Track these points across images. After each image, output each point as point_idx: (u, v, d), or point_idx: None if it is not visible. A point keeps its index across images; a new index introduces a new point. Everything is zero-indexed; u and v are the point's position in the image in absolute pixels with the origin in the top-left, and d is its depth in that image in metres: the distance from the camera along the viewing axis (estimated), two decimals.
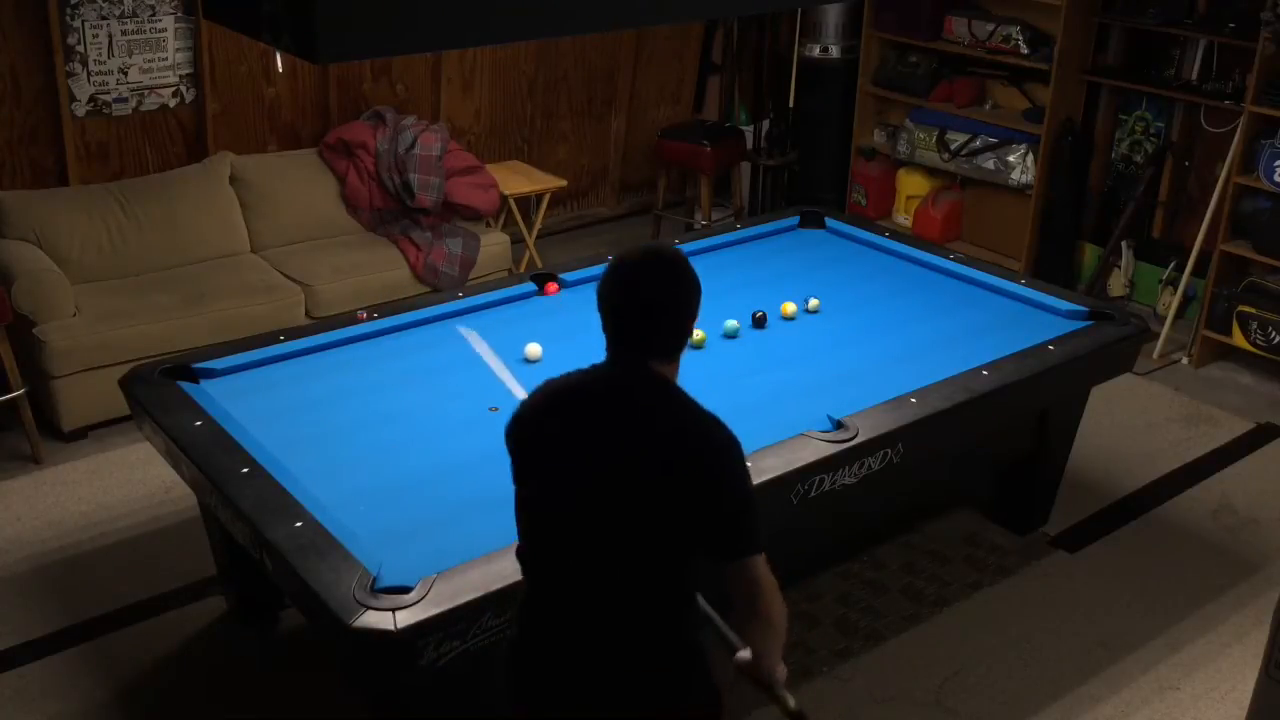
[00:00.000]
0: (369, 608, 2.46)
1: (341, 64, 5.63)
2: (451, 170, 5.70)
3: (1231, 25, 5.21)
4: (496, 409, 3.33)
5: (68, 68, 5.04)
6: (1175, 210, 5.85)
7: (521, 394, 3.40)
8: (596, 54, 6.67)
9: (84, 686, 3.45)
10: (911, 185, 6.50)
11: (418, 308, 4.04)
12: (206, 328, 4.77)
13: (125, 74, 5.19)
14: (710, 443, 2.10)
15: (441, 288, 5.29)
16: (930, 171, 6.43)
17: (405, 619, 2.43)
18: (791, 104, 6.84)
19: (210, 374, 3.55)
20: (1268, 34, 4.98)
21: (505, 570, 2.50)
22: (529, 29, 2.57)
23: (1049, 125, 5.79)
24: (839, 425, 3.23)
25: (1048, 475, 4.18)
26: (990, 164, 6.12)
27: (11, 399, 4.47)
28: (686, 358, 2.20)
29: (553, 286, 4.17)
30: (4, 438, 4.64)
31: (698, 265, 2.18)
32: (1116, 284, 5.97)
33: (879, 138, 6.68)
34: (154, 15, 5.20)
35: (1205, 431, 4.94)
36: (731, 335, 3.88)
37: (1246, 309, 5.26)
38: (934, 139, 6.29)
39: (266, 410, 3.35)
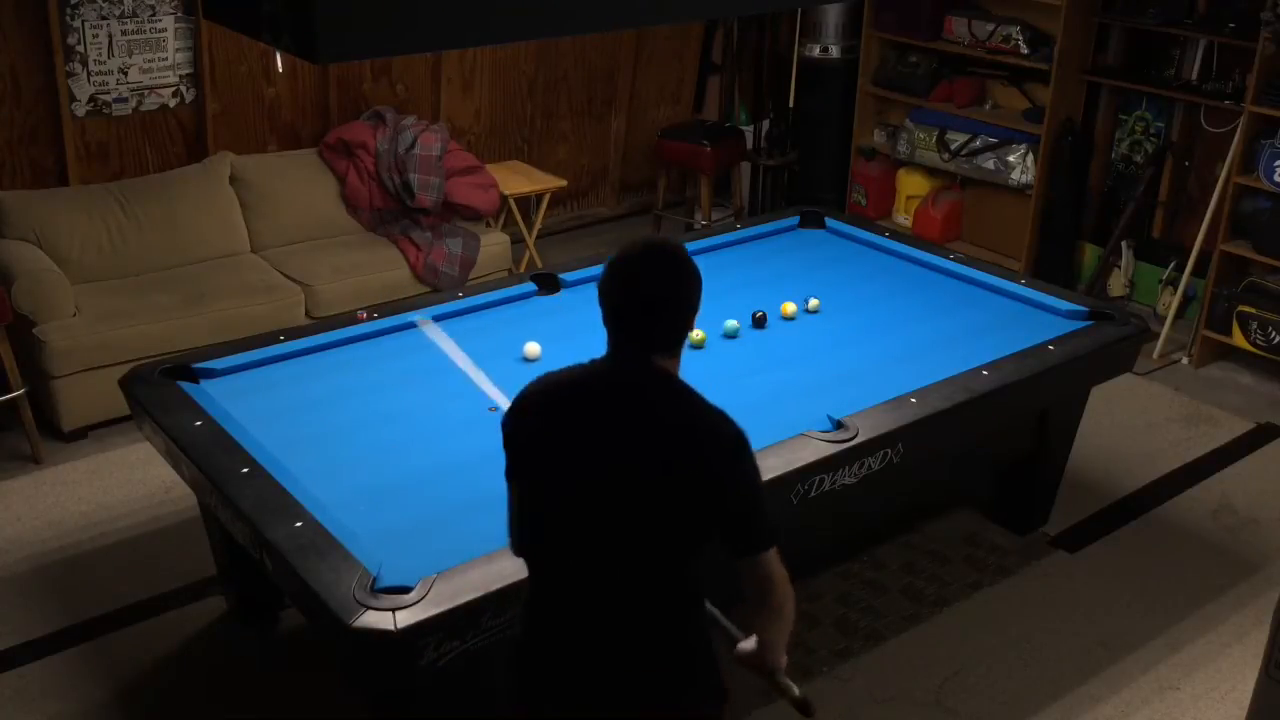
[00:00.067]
0: (369, 608, 2.46)
1: (341, 64, 5.63)
2: (451, 170, 5.70)
3: (1231, 25, 5.21)
4: (496, 409, 3.33)
5: (68, 68, 5.04)
6: (1175, 210, 5.85)
7: (489, 388, 3.42)
8: (596, 54, 6.67)
9: (84, 686, 3.45)
10: (911, 185, 6.50)
11: (418, 308, 4.04)
12: (206, 328, 4.77)
13: (125, 74, 5.19)
14: (718, 438, 2.09)
15: (441, 288, 5.29)
16: (930, 171, 6.43)
17: (405, 619, 2.43)
18: (791, 104, 6.84)
19: (210, 374, 3.54)
20: (1268, 34, 4.98)
21: (505, 570, 2.50)
22: (529, 29, 2.57)
23: (1049, 125, 5.79)
24: (839, 425, 3.23)
25: (1048, 475, 4.18)
26: (990, 164, 6.12)
27: (11, 399, 4.47)
28: (686, 358, 2.19)
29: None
30: (4, 438, 4.64)
31: (697, 265, 2.18)
32: (1116, 284, 5.97)
33: (879, 138, 6.68)
34: (154, 15, 5.20)
35: (1205, 431, 4.94)
36: (731, 335, 3.88)
37: (1246, 309, 5.26)
38: (934, 139, 6.29)
39: (266, 410, 3.35)
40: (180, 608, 3.78)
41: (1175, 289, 5.69)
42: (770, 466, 2.98)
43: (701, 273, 2.16)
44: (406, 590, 2.51)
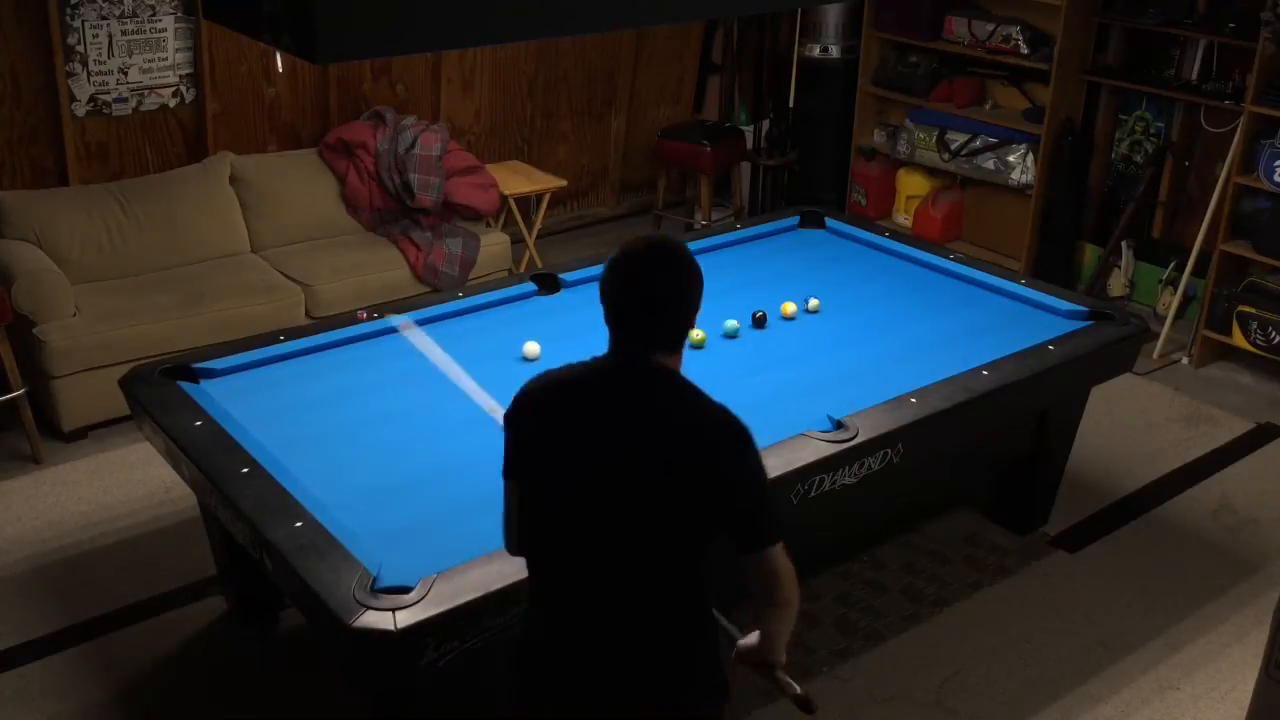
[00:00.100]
0: (369, 608, 2.46)
1: (341, 64, 5.63)
2: (451, 170, 5.70)
3: (1231, 25, 5.21)
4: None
5: (68, 68, 5.04)
6: (1175, 210, 5.85)
7: (476, 391, 3.38)
8: (596, 54, 6.67)
9: (84, 686, 3.45)
10: (911, 185, 6.50)
11: (418, 308, 4.04)
12: (206, 328, 4.77)
13: (125, 74, 5.19)
14: (723, 434, 2.09)
15: (441, 288, 5.29)
16: (930, 171, 6.43)
17: (405, 619, 2.43)
18: (791, 104, 6.84)
19: (210, 374, 3.54)
20: (1268, 34, 4.98)
21: (505, 570, 2.50)
22: (529, 29, 2.57)
23: (1049, 125, 5.79)
24: (839, 425, 3.23)
25: (1048, 475, 4.18)
26: (990, 164, 6.12)
27: (11, 399, 4.47)
28: (686, 359, 2.19)
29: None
30: (4, 438, 4.64)
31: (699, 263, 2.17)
32: (1116, 284, 5.97)
33: (879, 138, 6.68)
34: (154, 15, 5.20)
35: (1205, 431, 4.94)
36: (731, 335, 3.88)
37: (1246, 309, 5.26)
38: (934, 139, 6.29)
39: (266, 410, 3.35)
40: (180, 608, 3.78)
41: (1175, 289, 5.69)
42: (770, 466, 2.94)
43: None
44: (406, 590, 2.51)
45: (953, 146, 6.23)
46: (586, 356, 2.20)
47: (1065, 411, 4.06)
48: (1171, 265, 5.80)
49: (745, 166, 6.99)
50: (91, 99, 5.15)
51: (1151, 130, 5.81)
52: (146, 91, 5.29)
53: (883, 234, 4.74)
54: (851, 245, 4.69)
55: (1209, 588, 3.94)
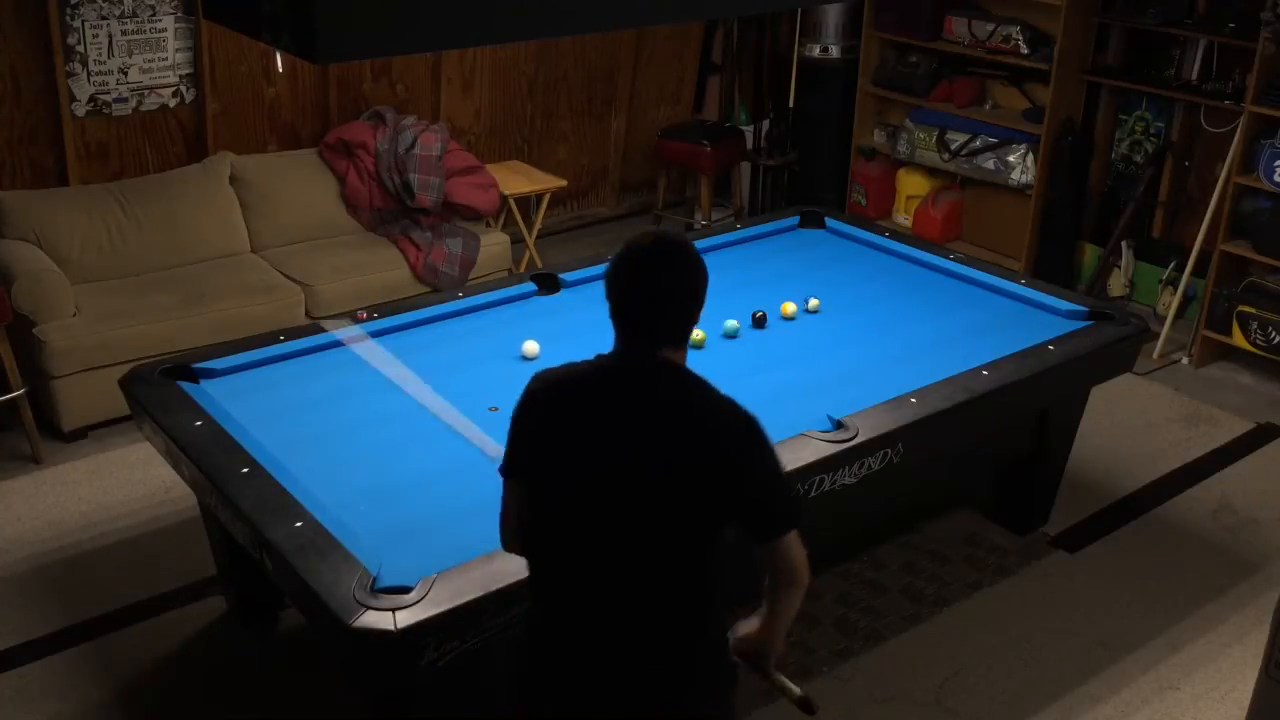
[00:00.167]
0: (369, 608, 2.46)
1: (341, 64, 5.63)
2: (451, 170, 5.70)
3: (1231, 25, 5.21)
4: (496, 409, 3.33)
5: (68, 68, 5.04)
6: (1175, 210, 5.85)
7: (442, 408, 3.33)
8: (596, 54, 6.68)
9: (84, 686, 3.45)
10: (911, 185, 6.50)
11: (418, 308, 4.04)
12: (206, 328, 4.77)
13: (125, 74, 5.19)
14: (731, 426, 2.09)
15: (441, 288, 5.29)
16: (930, 171, 6.43)
17: (405, 619, 2.43)
18: (791, 104, 6.84)
19: (210, 374, 3.54)
20: (1268, 34, 4.98)
21: (505, 570, 2.50)
22: (529, 29, 2.57)
23: (1049, 125, 5.79)
24: (839, 425, 3.23)
25: (1048, 475, 4.18)
26: (990, 164, 6.12)
27: (11, 399, 4.47)
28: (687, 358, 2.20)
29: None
30: (4, 438, 4.64)
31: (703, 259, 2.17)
32: (1116, 284, 5.97)
33: (879, 138, 6.68)
34: (154, 15, 5.20)
35: (1205, 431, 4.94)
36: (731, 335, 3.88)
37: (1246, 309, 5.26)
38: (934, 139, 6.29)
39: (266, 410, 3.35)
40: (180, 608, 3.78)
41: (1175, 289, 5.69)
42: None
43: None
44: (406, 590, 2.50)
45: (953, 146, 6.23)
46: (586, 356, 2.20)
47: (1065, 411, 4.06)
48: (1171, 265, 5.80)
49: (745, 166, 6.99)
50: (91, 99, 5.15)
51: (1151, 130, 5.81)
52: (146, 91, 5.29)
53: (883, 234, 4.74)
54: (851, 245, 4.69)
55: (1209, 588, 3.94)
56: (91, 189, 5.11)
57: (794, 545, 2.12)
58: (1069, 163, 5.84)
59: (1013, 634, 3.70)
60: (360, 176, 5.61)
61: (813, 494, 3.09)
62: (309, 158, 5.69)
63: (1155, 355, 5.52)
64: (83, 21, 5.02)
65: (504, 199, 5.97)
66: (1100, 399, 4.29)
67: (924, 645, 3.65)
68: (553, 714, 2.24)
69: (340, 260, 5.34)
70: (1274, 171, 5.07)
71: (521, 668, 2.27)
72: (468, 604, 2.49)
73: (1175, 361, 5.54)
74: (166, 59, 5.29)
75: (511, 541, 2.28)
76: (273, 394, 3.49)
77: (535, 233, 6.23)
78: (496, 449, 3.02)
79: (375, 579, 2.55)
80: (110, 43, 5.12)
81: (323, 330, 3.80)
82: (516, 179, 6.16)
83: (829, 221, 4.84)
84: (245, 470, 2.97)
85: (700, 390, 2.12)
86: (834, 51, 6.55)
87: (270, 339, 3.77)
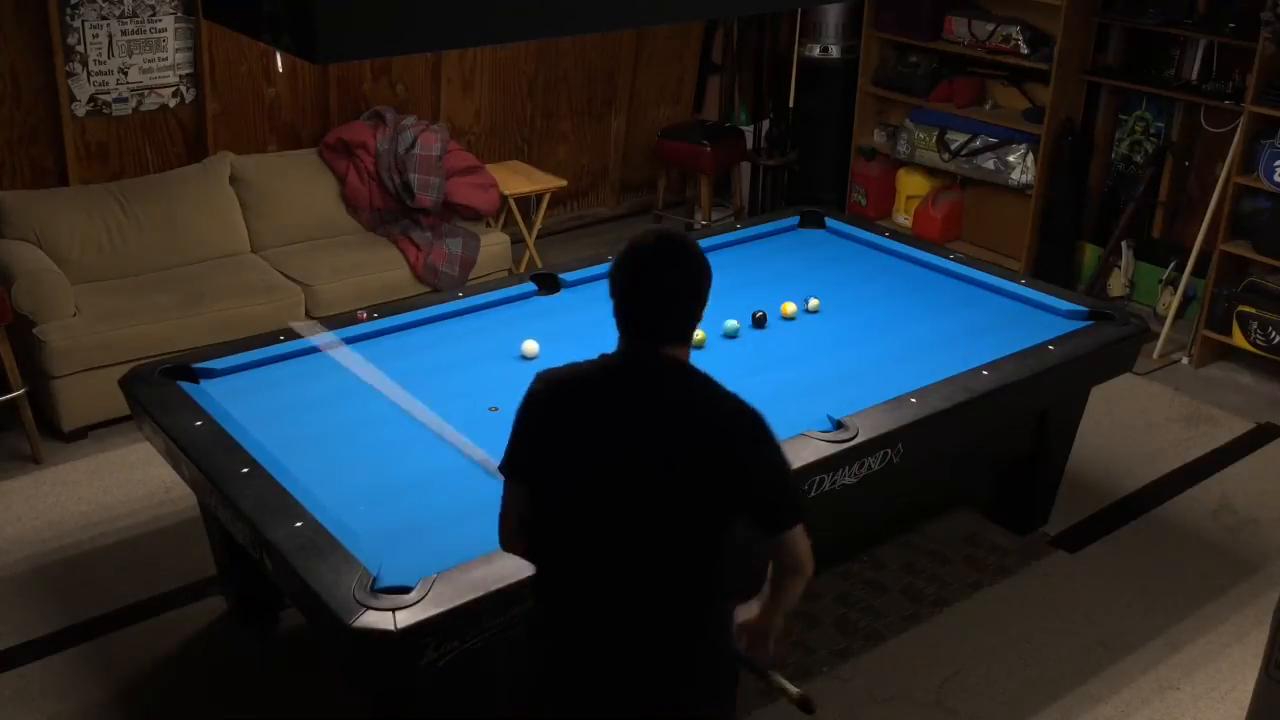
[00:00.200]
0: (369, 608, 2.46)
1: (341, 64, 5.63)
2: (451, 170, 5.70)
3: (1231, 25, 5.21)
4: (496, 409, 3.33)
5: (68, 68, 5.04)
6: (1175, 210, 5.85)
7: (424, 414, 3.32)
8: (596, 54, 6.68)
9: (84, 686, 3.45)
10: (911, 185, 6.50)
11: (418, 308, 4.04)
12: (206, 328, 4.77)
13: (125, 74, 5.19)
14: (737, 421, 2.10)
15: (441, 288, 5.29)
16: (930, 171, 6.43)
17: (405, 619, 2.43)
18: (791, 104, 6.84)
19: (210, 374, 3.54)
20: (1268, 34, 4.98)
21: (505, 570, 2.50)
22: (529, 29, 2.57)
23: (1049, 125, 5.79)
24: (839, 425, 3.23)
25: (1048, 475, 4.18)
26: (990, 164, 6.12)
27: (11, 399, 4.47)
28: None
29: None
30: (4, 438, 4.64)
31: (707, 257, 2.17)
32: (1116, 284, 5.97)
33: (879, 138, 6.68)
34: (154, 15, 5.20)
35: (1205, 431, 4.94)
36: (731, 335, 3.88)
37: (1246, 309, 5.26)
38: (934, 139, 6.29)
39: (266, 410, 3.35)
40: (180, 608, 3.78)
41: (1175, 289, 5.69)
42: None
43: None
44: (406, 590, 2.50)
45: (953, 146, 6.23)
46: (586, 356, 2.19)
47: (1065, 411, 4.06)
48: (1171, 265, 5.80)
49: (745, 166, 7.00)
50: (91, 99, 5.15)
51: (1151, 130, 5.81)
52: (146, 91, 5.29)
53: (883, 234, 4.74)
54: (851, 245, 4.69)
55: (1209, 588, 3.94)
56: (91, 189, 5.11)
57: (800, 538, 2.13)
58: (1069, 163, 5.84)
59: (1013, 634, 3.70)
60: (360, 176, 5.61)
61: (813, 494, 3.08)
62: (309, 158, 5.69)
63: (1155, 355, 5.52)
64: (83, 21, 5.02)
65: (504, 199, 5.97)
66: (1100, 399, 4.29)
67: (924, 645, 3.65)
68: (553, 714, 2.24)
69: (340, 260, 5.34)
70: (1274, 171, 5.07)
71: (522, 667, 2.27)
72: (468, 604, 2.49)
73: (1175, 361, 5.54)
74: (166, 59, 5.29)
75: (510, 541, 2.27)
76: (273, 394, 3.49)
77: (535, 233, 6.23)
78: (477, 450, 3.03)
79: (375, 579, 2.55)
80: (110, 43, 5.12)
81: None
82: (516, 179, 6.16)
83: (829, 221, 4.84)
84: (245, 470, 2.97)
85: (706, 387, 2.12)
86: (834, 51, 6.55)
87: (270, 339, 3.77)
